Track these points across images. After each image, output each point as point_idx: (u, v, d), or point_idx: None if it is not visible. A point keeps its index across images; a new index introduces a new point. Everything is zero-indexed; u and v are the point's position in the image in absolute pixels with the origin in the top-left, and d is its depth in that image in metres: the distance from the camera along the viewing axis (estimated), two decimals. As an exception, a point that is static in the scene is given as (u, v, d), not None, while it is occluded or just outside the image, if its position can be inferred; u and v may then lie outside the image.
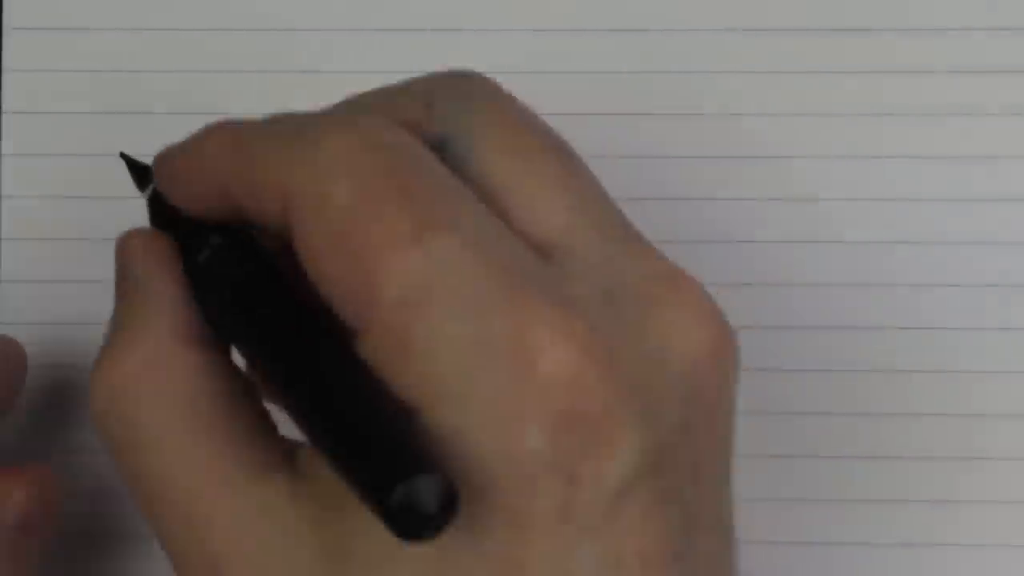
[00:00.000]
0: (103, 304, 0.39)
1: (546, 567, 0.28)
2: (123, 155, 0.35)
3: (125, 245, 0.32)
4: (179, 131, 0.36)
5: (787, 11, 0.40)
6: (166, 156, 0.33)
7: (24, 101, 0.40)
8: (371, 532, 0.28)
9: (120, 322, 0.31)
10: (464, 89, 0.31)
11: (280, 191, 0.29)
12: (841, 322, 0.40)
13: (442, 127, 0.31)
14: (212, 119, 0.39)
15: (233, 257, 0.31)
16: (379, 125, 0.30)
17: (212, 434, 0.30)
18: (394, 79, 0.32)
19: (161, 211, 0.33)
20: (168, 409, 0.30)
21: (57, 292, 0.40)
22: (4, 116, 0.40)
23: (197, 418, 0.30)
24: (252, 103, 0.40)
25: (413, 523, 0.26)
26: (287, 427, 0.30)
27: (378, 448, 0.26)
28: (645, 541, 0.28)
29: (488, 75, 0.31)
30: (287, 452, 0.30)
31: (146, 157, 0.35)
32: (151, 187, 0.34)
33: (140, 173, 0.35)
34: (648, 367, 0.29)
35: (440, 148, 0.30)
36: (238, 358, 0.31)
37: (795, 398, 0.40)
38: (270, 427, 0.31)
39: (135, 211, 0.39)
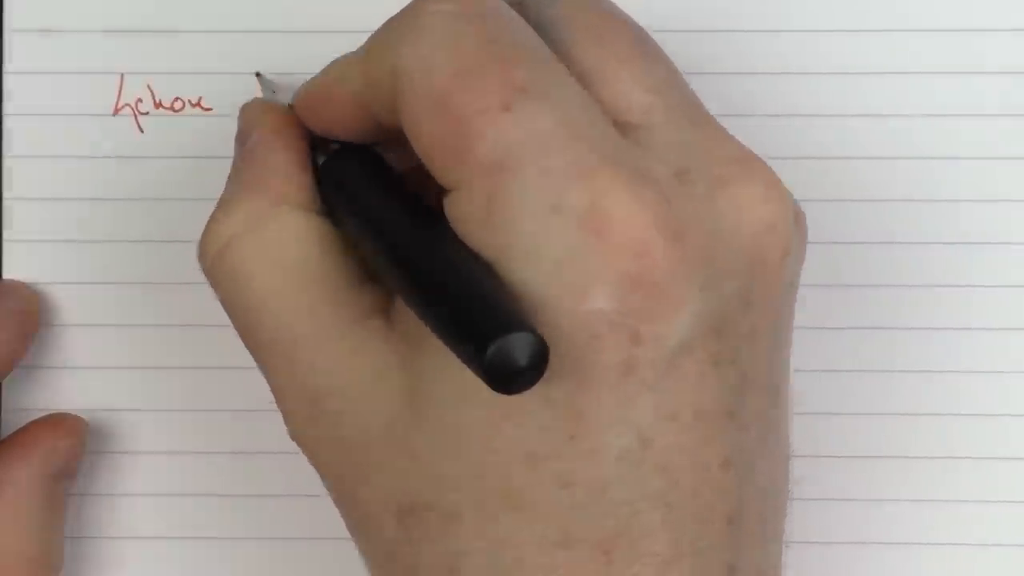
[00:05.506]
0: (103, 305, 0.40)
1: (605, 417, 0.30)
2: (258, 74, 0.39)
3: (244, 114, 0.36)
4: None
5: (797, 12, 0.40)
6: (302, 94, 0.35)
7: (24, 101, 0.40)
8: (446, 373, 0.30)
9: (231, 184, 0.34)
10: None
11: (390, 70, 0.32)
12: (845, 323, 0.40)
13: (533, 18, 0.33)
14: (212, 119, 0.40)
15: (347, 154, 0.34)
16: None
17: (312, 286, 0.33)
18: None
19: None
20: (271, 263, 0.33)
21: (57, 293, 0.40)
22: (4, 116, 0.40)
23: (298, 271, 0.33)
24: (252, 103, 0.40)
25: (507, 376, 0.28)
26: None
27: (475, 308, 0.29)
28: (701, 398, 0.30)
29: None
30: (383, 299, 0.33)
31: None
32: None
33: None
34: (713, 240, 0.31)
35: None
36: None
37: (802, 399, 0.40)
38: (368, 278, 0.33)
39: (136, 211, 0.39)
